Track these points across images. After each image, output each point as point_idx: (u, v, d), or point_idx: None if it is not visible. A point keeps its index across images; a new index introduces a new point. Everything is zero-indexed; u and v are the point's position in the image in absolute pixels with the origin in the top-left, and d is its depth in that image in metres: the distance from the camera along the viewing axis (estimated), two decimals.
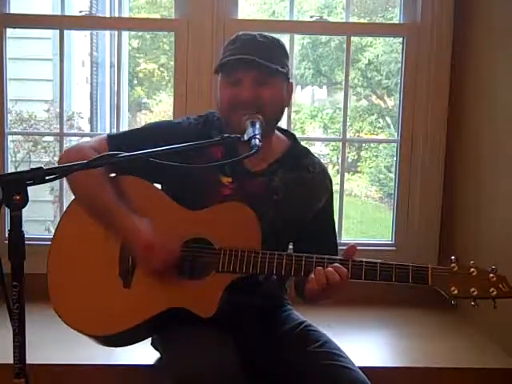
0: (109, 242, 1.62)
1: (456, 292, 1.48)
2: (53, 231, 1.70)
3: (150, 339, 1.81)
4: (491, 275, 1.47)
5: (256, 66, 1.58)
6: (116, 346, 1.75)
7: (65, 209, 1.71)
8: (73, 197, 1.69)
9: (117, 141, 1.68)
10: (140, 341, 1.72)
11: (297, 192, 1.70)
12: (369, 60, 6.81)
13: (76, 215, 1.66)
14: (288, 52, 1.71)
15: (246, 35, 1.65)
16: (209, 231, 1.59)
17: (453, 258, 1.51)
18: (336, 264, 1.51)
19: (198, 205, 1.62)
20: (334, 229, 1.80)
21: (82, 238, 1.65)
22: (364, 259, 1.54)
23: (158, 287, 1.57)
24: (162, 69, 7.60)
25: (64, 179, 1.40)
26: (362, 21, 6.56)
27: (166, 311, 1.56)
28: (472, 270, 1.48)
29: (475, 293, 1.46)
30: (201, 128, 1.70)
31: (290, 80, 1.70)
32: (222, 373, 1.43)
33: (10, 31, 2.53)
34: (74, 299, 1.62)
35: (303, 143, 1.83)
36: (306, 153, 1.78)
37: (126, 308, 1.58)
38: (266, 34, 1.67)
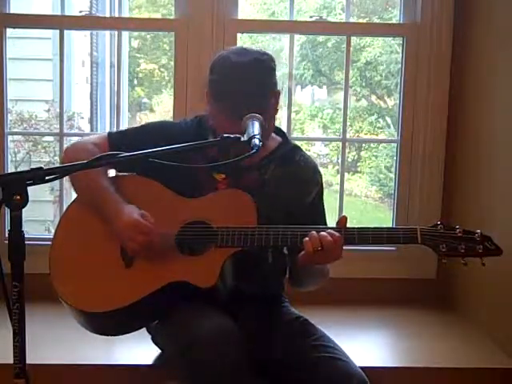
0: (110, 232, 1.65)
1: (445, 249, 1.55)
2: (53, 231, 1.72)
3: (150, 337, 1.82)
4: (477, 235, 1.55)
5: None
6: (116, 333, 1.73)
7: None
8: (73, 197, 1.73)
9: (117, 139, 1.77)
10: (141, 325, 1.74)
11: (287, 185, 1.75)
12: (367, 60, 6.81)
13: (80, 206, 1.72)
14: (272, 66, 1.69)
15: (234, 67, 1.63)
16: (207, 215, 1.65)
17: (438, 221, 1.60)
18: (329, 230, 1.57)
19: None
20: (326, 223, 1.83)
21: (85, 221, 1.69)
22: (355, 226, 1.61)
23: (158, 266, 1.61)
24: (162, 69, 7.60)
25: (64, 178, 1.44)
26: (361, 21, 6.56)
27: (167, 285, 1.59)
28: (458, 230, 1.56)
29: (463, 250, 1.54)
30: (196, 128, 1.77)
31: (278, 89, 1.73)
32: (223, 337, 1.48)
33: (10, 31, 2.53)
34: (76, 279, 1.64)
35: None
36: (297, 149, 1.84)
37: (128, 284, 1.62)
38: (246, 52, 1.67)
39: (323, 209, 1.85)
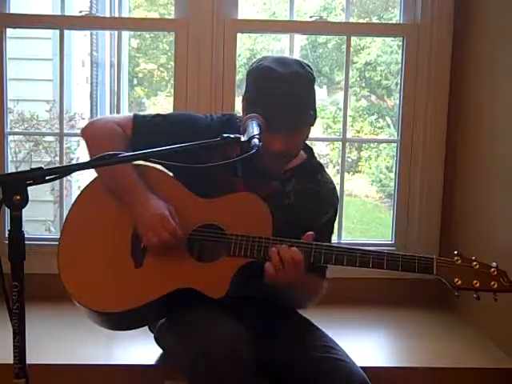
0: (122, 223, 1.66)
1: (459, 283, 1.54)
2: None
3: (149, 337, 1.82)
4: (492, 269, 1.54)
5: (292, 131, 1.64)
6: (125, 328, 1.74)
7: (77, 193, 1.75)
8: (73, 197, 1.71)
9: (142, 124, 1.74)
10: (149, 323, 1.77)
11: (305, 202, 1.75)
12: (366, 60, 6.82)
13: (91, 197, 1.71)
14: (312, 80, 1.71)
15: (276, 80, 1.63)
16: (221, 218, 1.64)
17: (455, 252, 1.58)
18: (293, 248, 1.56)
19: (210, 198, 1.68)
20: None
21: (95, 218, 1.68)
22: (372, 249, 1.59)
23: (168, 268, 1.61)
24: (161, 69, 7.60)
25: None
26: (361, 21, 6.56)
27: (176, 291, 1.59)
28: (475, 263, 1.55)
29: (477, 285, 1.54)
30: (222, 127, 1.73)
31: None
32: (238, 348, 1.48)
33: (10, 31, 2.53)
34: (86, 278, 1.64)
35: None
36: (320, 168, 1.84)
37: (138, 286, 1.62)
38: (287, 62, 1.69)
39: (331, 233, 1.83)
